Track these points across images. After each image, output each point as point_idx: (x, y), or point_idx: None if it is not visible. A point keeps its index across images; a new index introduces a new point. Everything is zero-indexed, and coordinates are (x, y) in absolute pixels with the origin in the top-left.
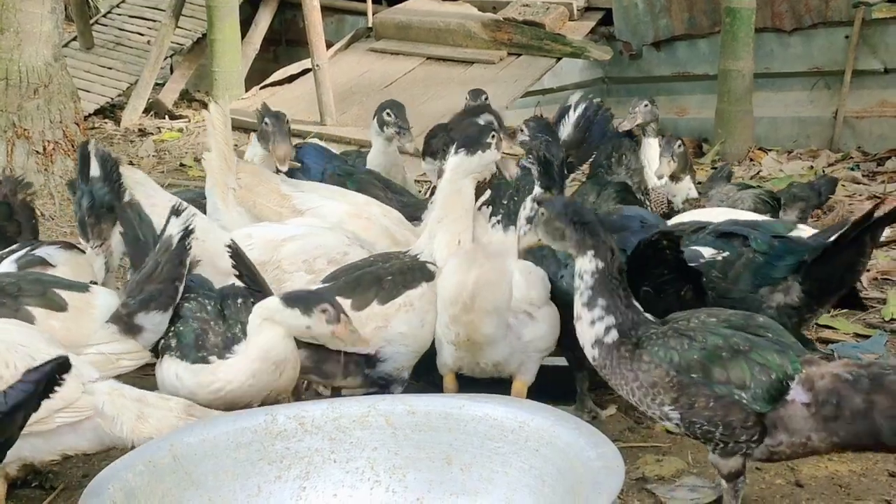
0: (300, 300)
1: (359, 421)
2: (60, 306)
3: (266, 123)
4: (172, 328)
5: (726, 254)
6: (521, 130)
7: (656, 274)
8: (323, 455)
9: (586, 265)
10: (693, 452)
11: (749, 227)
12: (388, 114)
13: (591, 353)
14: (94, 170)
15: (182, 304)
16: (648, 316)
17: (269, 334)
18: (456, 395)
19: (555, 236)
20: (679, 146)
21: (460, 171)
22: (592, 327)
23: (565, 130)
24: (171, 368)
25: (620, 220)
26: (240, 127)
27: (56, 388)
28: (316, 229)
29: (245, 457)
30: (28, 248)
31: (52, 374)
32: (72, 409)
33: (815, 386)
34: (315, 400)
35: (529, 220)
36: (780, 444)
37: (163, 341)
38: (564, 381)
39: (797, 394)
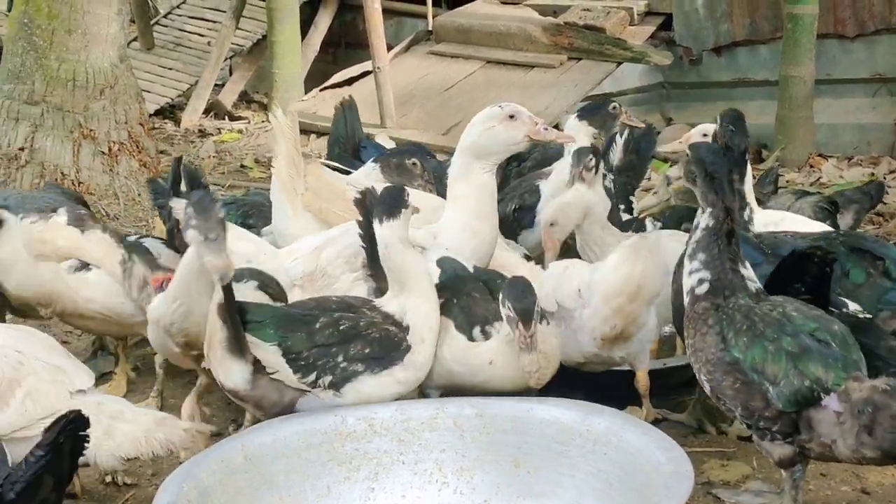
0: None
1: (427, 423)
2: None
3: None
4: None
5: (868, 315)
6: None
7: (794, 290)
8: (391, 456)
9: (702, 219)
10: (758, 458)
11: (881, 245)
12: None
13: (685, 299)
14: (185, 185)
15: None
16: (755, 286)
17: None
18: (524, 398)
19: (689, 178)
20: None
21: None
22: (689, 277)
23: (616, 156)
24: None
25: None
26: (300, 129)
27: (85, 442)
28: (351, 229)
29: (315, 457)
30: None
31: (65, 433)
32: (54, 418)
33: (852, 398)
34: (384, 402)
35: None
36: (809, 441)
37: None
38: (630, 385)
39: (831, 402)
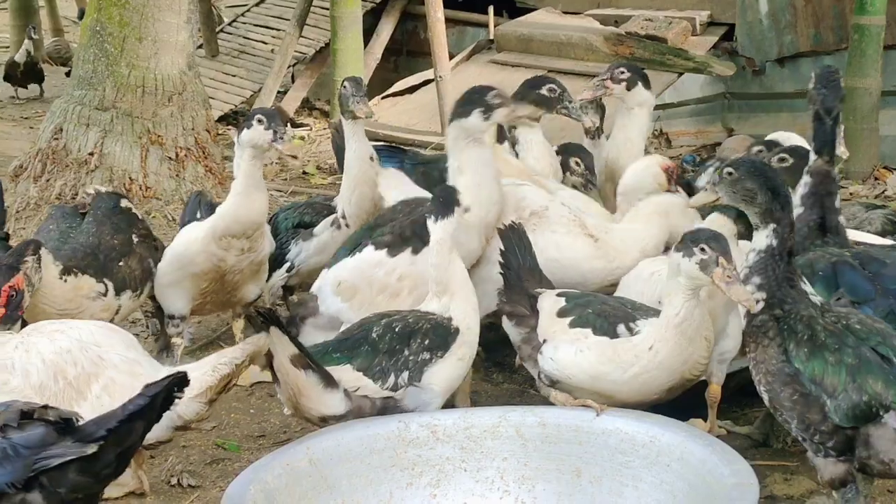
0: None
1: (490, 431)
2: None
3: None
4: None
5: None
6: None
7: None
8: (454, 463)
9: (761, 240)
10: None
11: None
12: None
13: (743, 320)
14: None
15: None
16: (816, 300)
17: None
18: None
19: (744, 198)
20: None
21: None
22: None
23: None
24: None
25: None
26: None
27: (177, 399)
28: None
29: (378, 462)
30: None
31: (169, 389)
32: None
33: None
34: (446, 409)
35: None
36: (868, 458)
37: None
38: (692, 395)
39: (891, 419)
